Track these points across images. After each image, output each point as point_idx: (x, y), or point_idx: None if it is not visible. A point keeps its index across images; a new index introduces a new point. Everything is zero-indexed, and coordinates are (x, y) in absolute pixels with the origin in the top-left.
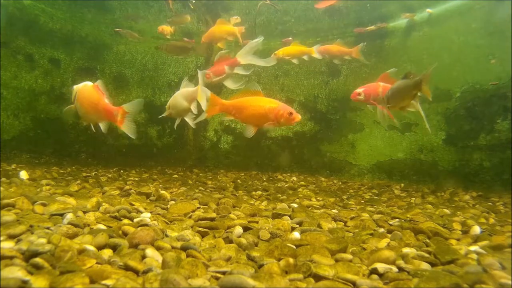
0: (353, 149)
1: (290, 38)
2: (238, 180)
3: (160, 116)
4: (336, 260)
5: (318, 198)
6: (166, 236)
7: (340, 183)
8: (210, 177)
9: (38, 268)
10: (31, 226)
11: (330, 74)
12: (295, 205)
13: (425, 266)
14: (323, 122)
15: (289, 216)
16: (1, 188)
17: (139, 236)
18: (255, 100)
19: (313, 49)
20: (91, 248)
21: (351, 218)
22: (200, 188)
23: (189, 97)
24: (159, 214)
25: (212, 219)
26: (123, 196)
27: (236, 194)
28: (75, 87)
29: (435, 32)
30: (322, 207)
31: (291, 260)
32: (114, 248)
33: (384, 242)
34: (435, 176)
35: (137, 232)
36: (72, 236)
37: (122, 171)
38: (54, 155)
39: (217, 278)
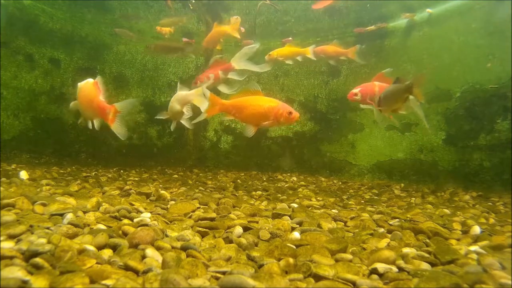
0: (353, 149)
1: (290, 38)
2: (238, 180)
3: (156, 117)
4: (336, 260)
5: (318, 198)
6: (166, 236)
7: (340, 183)
8: (210, 177)
9: (38, 268)
10: (31, 226)
11: (330, 74)
12: (295, 205)
13: (425, 266)
14: (323, 122)
15: (289, 216)
16: (1, 188)
17: (139, 236)
18: (254, 99)
19: (308, 49)
20: (91, 248)
21: (351, 218)
22: (200, 188)
23: (181, 100)
24: (159, 214)
25: (212, 219)
26: (123, 196)
27: (236, 194)
28: (79, 83)
29: (435, 32)
30: (322, 207)
31: (291, 260)
32: (114, 248)
33: (384, 242)
34: (435, 176)
35: (137, 232)
36: (72, 236)
37: (122, 171)
38: (54, 155)
39: (217, 278)
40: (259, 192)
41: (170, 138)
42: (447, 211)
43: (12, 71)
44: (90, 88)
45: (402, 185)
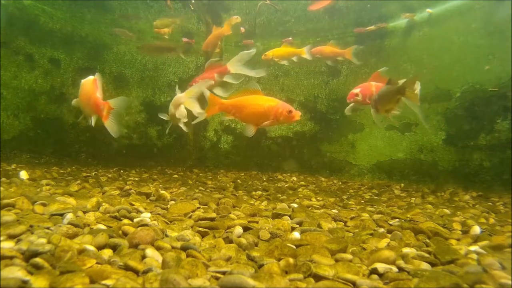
0: (353, 149)
1: (290, 38)
2: (238, 180)
3: (159, 115)
4: (336, 260)
5: (318, 198)
6: (166, 236)
7: (340, 183)
8: (210, 177)
9: (38, 268)
10: (31, 226)
11: (330, 74)
12: (295, 205)
13: (425, 266)
14: (323, 122)
15: (289, 216)
16: (1, 188)
17: (139, 236)
18: (254, 99)
19: (303, 50)
20: (91, 248)
21: (351, 218)
22: (200, 188)
23: (174, 103)
24: (159, 214)
25: (212, 219)
26: (123, 196)
27: (236, 194)
28: (82, 80)
29: (435, 32)
30: (322, 207)
31: (291, 260)
32: (114, 248)
33: (384, 242)
34: (435, 176)
35: (137, 232)
36: (72, 236)
37: (122, 171)
38: (54, 155)
39: (217, 278)
40: (259, 192)
41: (170, 138)
42: (447, 211)
43: (12, 71)
44: (88, 84)
45: (402, 185)
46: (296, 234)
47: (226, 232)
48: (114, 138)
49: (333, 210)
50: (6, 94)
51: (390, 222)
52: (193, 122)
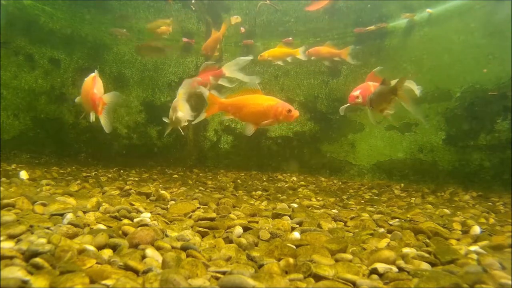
0: (353, 149)
1: (290, 38)
2: (238, 180)
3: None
4: (336, 260)
5: (318, 198)
6: (166, 236)
7: (340, 183)
8: (210, 177)
9: (38, 268)
10: (31, 226)
11: (330, 74)
12: (295, 205)
13: (425, 266)
14: (323, 122)
15: (289, 216)
16: (1, 188)
17: (139, 236)
18: (253, 98)
19: (297, 50)
20: (91, 248)
21: (351, 218)
22: (200, 188)
23: (174, 107)
24: (159, 214)
25: (212, 219)
26: (123, 196)
27: (236, 194)
28: (85, 78)
29: (435, 32)
30: (322, 207)
31: (291, 260)
32: (114, 248)
33: (384, 242)
34: (435, 176)
35: (137, 232)
36: (72, 236)
37: (122, 171)
38: (54, 155)
39: (217, 278)
40: (259, 192)
41: (170, 138)
42: (447, 211)
43: (12, 71)
44: (88, 81)
45: (402, 185)
46: (296, 234)
47: (226, 232)
48: (114, 138)
49: (333, 210)
50: (6, 94)
51: (390, 222)
52: (193, 122)
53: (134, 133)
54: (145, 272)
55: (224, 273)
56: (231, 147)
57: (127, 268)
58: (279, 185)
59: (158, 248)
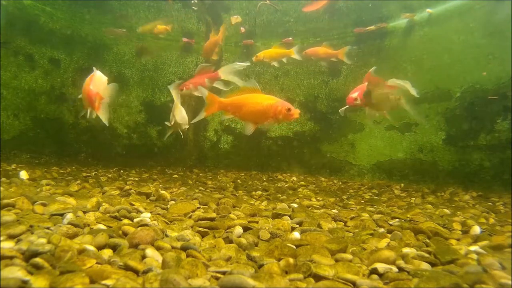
0: (353, 149)
1: (291, 38)
2: (238, 180)
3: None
4: (336, 260)
5: (318, 198)
6: (166, 236)
7: (340, 183)
8: (210, 177)
9: (38, 268)
10: (31, 226)
11: (330, 74)
12: (295, 205)
13: (425, 266)
14: (323, 122)
15: (289, 216)
16: (1, 188)
17: (139, 236)
18: (253, 97)
19: (292, 51)
20: (91, 248)
21: (351, 218)
22: (200, 188)
23: (173, 112)
24: (159, 214)
25: (212, 219)
26: (123, 196)
27: (236, 194)
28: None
29: (435, 32)
30: (322, 207)
31: (291, 260)
32: (114, 248)
33: (384, 242)
34: (435, 176)
35: (137, 232)
36: (72, 236)
37: (122, 171)
38: (54, 155)
39: (217, 278)
40: (259, 192)
41: (170, 138)
42: (447, 211)
43: (12, 71)
44: (87, 79)
45: (402, 185)
46: (296, 234)
47: (226, 232)
48: (114, 138)
49: (333, 210)
50: (6, 94)
51: (390, 222)
52: (193, 121)
53: (134, 133)
54: (145, 272)
55: (224, 273)
56: (231, 147)
57: (127, 268)
58: (279, 185)
59: (158, 248)
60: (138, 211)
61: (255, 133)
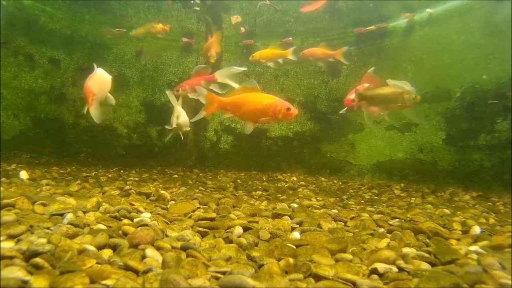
0: (353, 149)
1: (291, 38)
2: (238, 180)
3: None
4: (336, 260)
5: (318, 198)
6: (166, 236)
7: (340, 183)
8: (210, 177)
9: (38, 268)
10: (31, 226)
11: (330, 74)
12: (295, 205)
13: (425, 266)
14: (323, 122)
15: (289, 216)
16: (1, 188)
17: (139, 236)
18: (252, 96)
19: (288, 51)
20: (91, 248)
21: (351, 218)
22: (200, 188)
23: (173, 115)
24: (159, 214)
25: (212, 219)
26: (123, 196)
27: (236, 194)
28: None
29: (435, 32)
30: (322, 207)
31: (291, 260)
32: (114, 248)
33: (384, 242)
34: (435, 176)
35: (137, 232)
36: (72, 236)
37: (122, 171)
38: (54, 155)
39: (217, 278)
40: (259, 192)
41: (170, 139)
42: (447, 211)
43: (12, 71)
44: (90, 76)
45: (402, 185)
46: (296, 234)
47: (226, 232)
48: (114, 138)
49: (333, 210)
50: (6, 94)
51: (390, 222)
52: (192, 120)
53: (134, 133)
54: (145, 272)
55: (224, 273)
56: (231, 147)
57: (127, 268)
58: (279, 185)
59: (158, 248)
60: (138, 211)
61: (255, 133)
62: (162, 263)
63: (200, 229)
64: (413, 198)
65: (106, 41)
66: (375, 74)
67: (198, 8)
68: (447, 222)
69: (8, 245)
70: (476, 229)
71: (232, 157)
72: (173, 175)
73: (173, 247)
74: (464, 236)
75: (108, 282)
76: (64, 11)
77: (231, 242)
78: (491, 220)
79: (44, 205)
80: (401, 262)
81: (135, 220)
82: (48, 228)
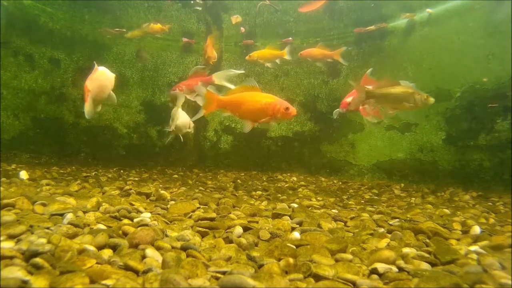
0: (353, 149)
1: (291, 38)
2: (238, 180)
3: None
4: (336, 260)
5: (318, 198)
6: (166, 236)
7: (340, 183)
8: (210, 177)
9: (38, 268)
10: (31, 226)
11: (330, 74)
12: (295, 205)
13: (425, 266)
14: (323, 122)
15: (289, 216)
16: (1, 188)
17: (139, 236)
18: (252, 95)
19: (284, 52)
20: (91, 248)
21: (351, 218)
22: (200, 188)
23: (172, 117)
24: (159, 214)
25: (212, 219)
26: (123, 196)
27: (236, 194)
28: None
29: (435, 32)
30: (322, 207)
31: (291, 260)
32: (114, 248)
33: (384, 242)
34: (435, 176)
35: (137, 232)
36: (72, 236)
37: (122, 171)
38: (54, 155)
39: (217, 278)
40: (259, 192)
41: (170, 139)
42: (447, 211)
43: (12, 71)
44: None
45: (402, 185)
46: (296, 234)
47: (226, 232)
48: (114, 138)
49: (333, 210)
50: (6, 94)
51: (390, 222)
52: (192, 119)
53: (134, 133)
54: (145, 272)
55: (224, 273)
56: (231, 147)
57: (127, 268)
58: (279, 185)
59: (158, 248)
60: (138, 211)
61: (255, 133)
62: (162, 263)
63: (200, 229)
64: (413, 198)
65: (106, 41)
66: (375, 75)
67: (200, 8)
68: (447, 222)
69: (8, 245)
70: (476, 229)
71: (232, 157)
72: (173, 175)
73: (173, 247)
74: (464, 236)
75: (108, 282)
76: (64, 11)
77: (231, 242)
78: (491, 220)
79: (44, 205)
80: (401, 262)
81: (135, 220)
82: (48, 228)
